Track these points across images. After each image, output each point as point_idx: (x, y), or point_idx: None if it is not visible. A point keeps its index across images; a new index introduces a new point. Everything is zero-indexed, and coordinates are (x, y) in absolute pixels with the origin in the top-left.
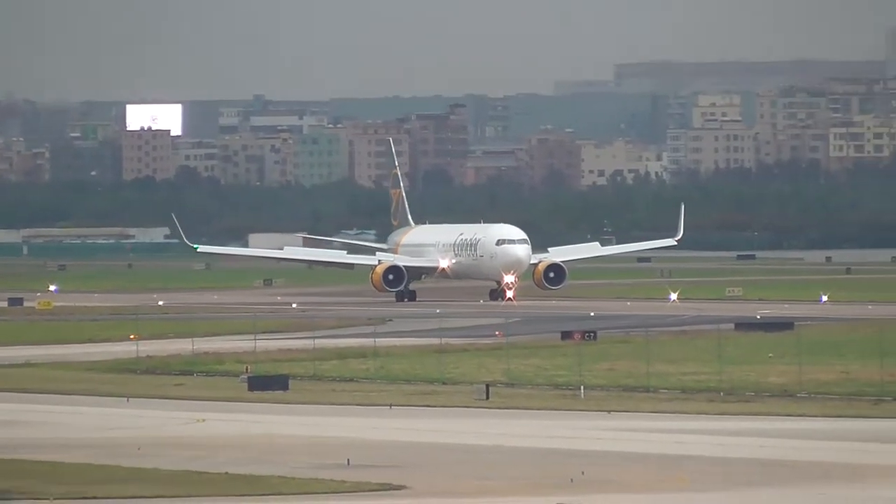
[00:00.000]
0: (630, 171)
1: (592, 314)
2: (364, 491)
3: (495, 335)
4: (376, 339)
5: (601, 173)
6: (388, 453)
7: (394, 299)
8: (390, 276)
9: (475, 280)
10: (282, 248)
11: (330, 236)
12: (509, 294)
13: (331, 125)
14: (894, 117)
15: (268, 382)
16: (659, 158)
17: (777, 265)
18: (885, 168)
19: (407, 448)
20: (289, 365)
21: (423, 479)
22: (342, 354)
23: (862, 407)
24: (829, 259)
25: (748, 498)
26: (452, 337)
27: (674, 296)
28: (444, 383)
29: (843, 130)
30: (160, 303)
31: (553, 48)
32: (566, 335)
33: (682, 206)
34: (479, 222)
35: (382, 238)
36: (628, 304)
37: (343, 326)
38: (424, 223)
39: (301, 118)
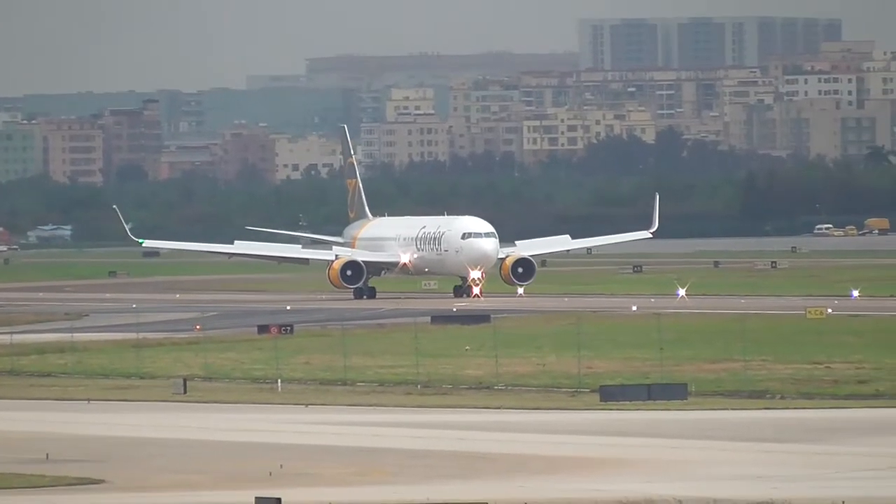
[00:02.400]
0: (324, 165)
1: (288, 307)
2: (63, 485)
3: (193, 329)
4: (74, 334)
5: (295, 167)
6: (87, 448)
7: (352, 296)
8: (348, 272)
9: (439, 276)
10: (232, 243)
11: (26, 231)
12: (476, 290)
13: (25, 121)
14: (587, 110)
15: None
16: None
17: None
18: (579, 161)
19: (105, 442)
20: None
21: (122, 473)
22: (40, 349)
23: (558, 399)
24: None
25: (447, 490)
26: (150, 331)
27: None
28: (141, 377)
29: (537, 123)
30: None
31: (244, 43)
32: (263, 329)
33: (657, 197)
34: (443, 214)
35: (79, 234)
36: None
37: (41, 321)
38: (384, 215)
39: None
